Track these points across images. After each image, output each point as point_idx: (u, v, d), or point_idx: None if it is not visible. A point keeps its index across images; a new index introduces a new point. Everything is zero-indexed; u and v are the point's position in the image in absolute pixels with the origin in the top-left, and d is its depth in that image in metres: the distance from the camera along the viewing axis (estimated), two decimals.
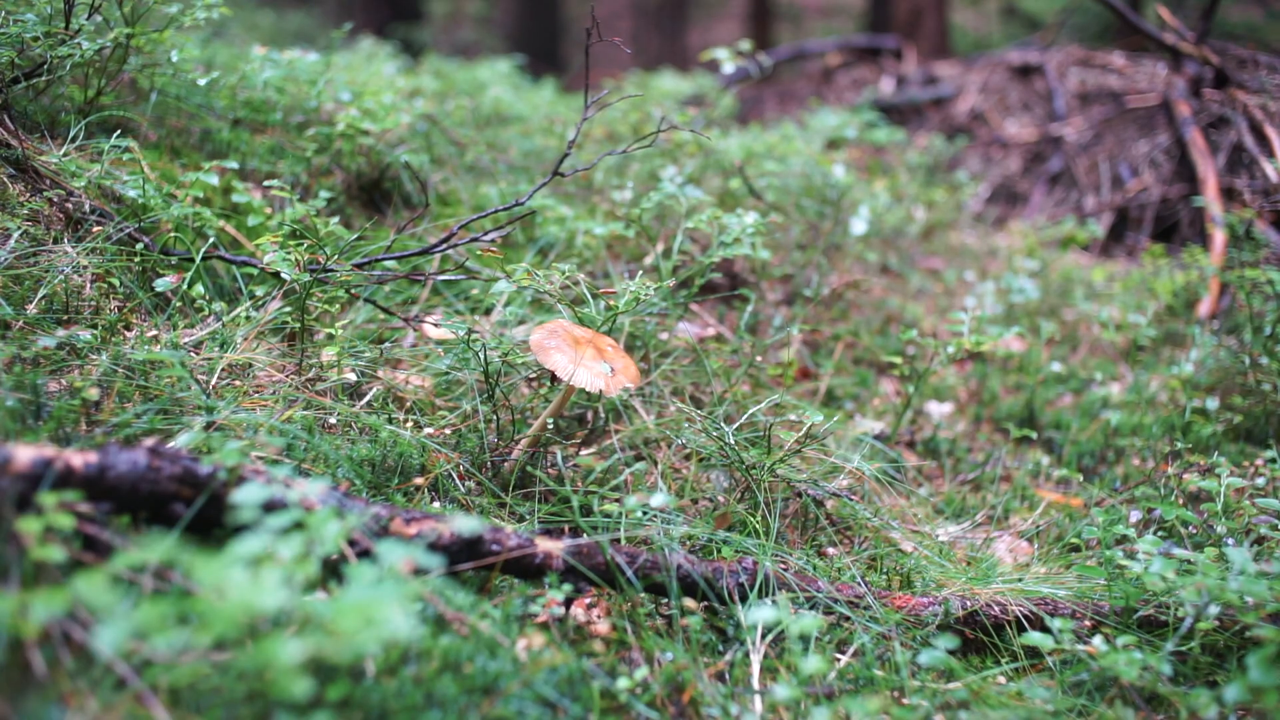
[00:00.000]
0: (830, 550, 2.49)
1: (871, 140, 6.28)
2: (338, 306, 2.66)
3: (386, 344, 2.77)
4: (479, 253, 2.48)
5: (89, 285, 2.40)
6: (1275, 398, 3.40)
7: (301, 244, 2.47)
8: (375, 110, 3.52)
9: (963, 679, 1.92)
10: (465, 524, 1.57)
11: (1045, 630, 2.13)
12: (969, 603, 2.17)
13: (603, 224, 3.45)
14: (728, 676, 1.77)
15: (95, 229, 2.56)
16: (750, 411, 2.62)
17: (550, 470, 2.38)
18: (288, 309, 2.52)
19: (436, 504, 2.18)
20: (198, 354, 2.31)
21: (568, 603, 1.84)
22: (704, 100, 7.00)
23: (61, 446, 1.55)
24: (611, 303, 2.51)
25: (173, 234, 2.72)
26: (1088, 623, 2.18)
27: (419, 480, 2.17)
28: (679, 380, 3.00)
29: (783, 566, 2.11)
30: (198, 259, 2.59)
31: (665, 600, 1.92)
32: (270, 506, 1.41)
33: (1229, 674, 2.04)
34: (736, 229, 3.02)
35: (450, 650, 1.49)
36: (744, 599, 1.92)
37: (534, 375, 2.67)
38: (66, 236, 2.51)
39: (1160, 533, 2.72)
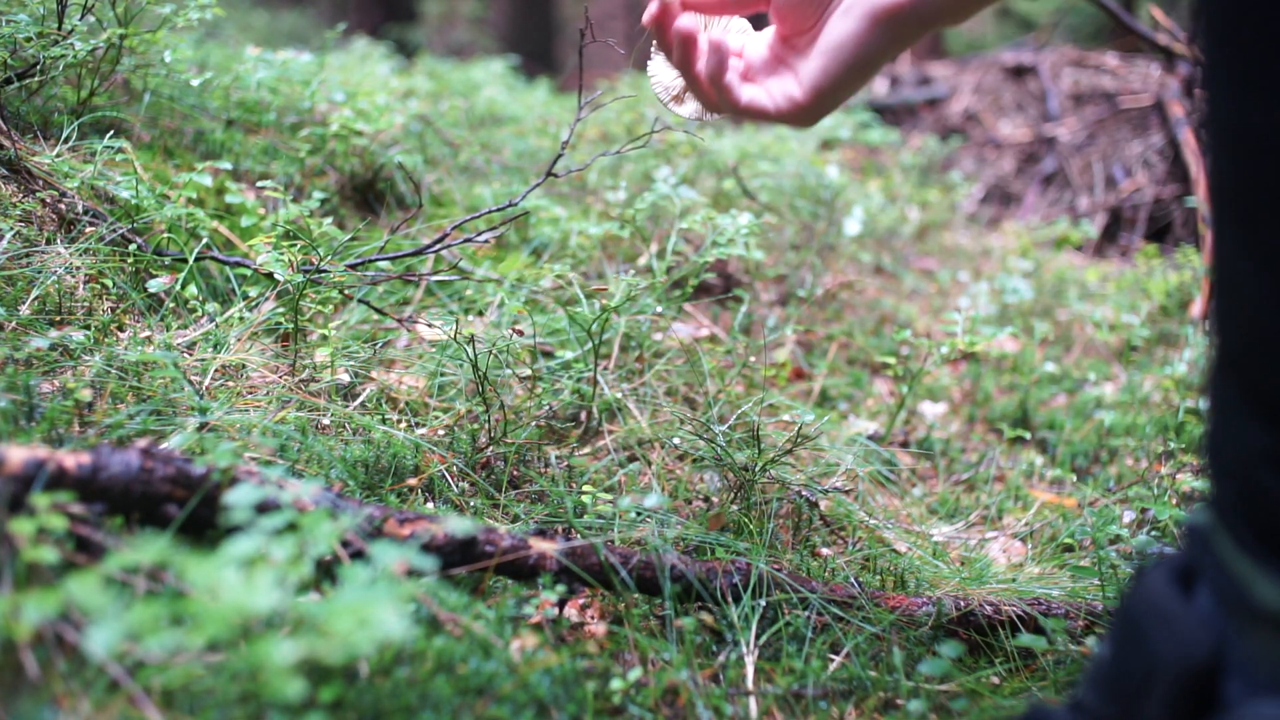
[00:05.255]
0: (824, 550, 2.49)
1: (865, 141, 6.29)
2: (331, 307, 2.66)
3: (379, 343, 2.76)
4: (473, 252, 2.48)
5: (82, 286, 2.39)
6: None
7: (295, 245, 2.46)
8: (369, 111, 3.51)
9: (957, 679, 1.92)
10: (459, 525, 1.57)
11: (1039, 631, 2.14)
12: (963, 603, 2.17)
13: (597, 224, 3.45)
14: (722, 678, 1.78)
15: (88, 230, 2.55)
16: (741, 410, 2.62)
17: (544, 471, 2.38)
18: (281, 310, 2.52)
19: (430, 505, 2.18)
20: (191, 355, 2.30)
21: (561, 603, 1.85)
22: None
23: (54, 448, 1.55)
24: (605, 301, 2.51)
25: (166, 235, 2.71)
26: (1081, 623, 2.18)
27: (412, 481, 2.17)
28: (673, 380, 3.00)
29: (776, 567, 2.11)
30: (191, 260, 2.59)
31: (659, 601, 1.92)
32: (264, 507, 1.41)
33: None
34: (730, 230, 3.03)
35: (444, 651, 1.49)
36: (738, 599, 1.92)
37: (526, 375, 2.66)
38: (59, 237, 2.50)
39: (1154, 533, 2.72)
